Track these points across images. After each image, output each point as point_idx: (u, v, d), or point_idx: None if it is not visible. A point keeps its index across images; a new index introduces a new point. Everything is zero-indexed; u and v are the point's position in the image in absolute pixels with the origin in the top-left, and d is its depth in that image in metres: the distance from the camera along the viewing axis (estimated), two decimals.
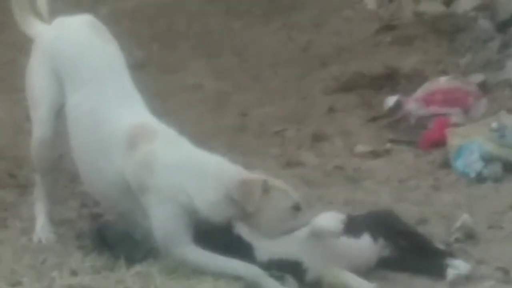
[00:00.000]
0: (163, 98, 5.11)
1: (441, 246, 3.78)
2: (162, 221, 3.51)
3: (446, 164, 4.51)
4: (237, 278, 3.43)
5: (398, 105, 5.10)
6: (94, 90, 3.71)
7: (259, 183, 3.37)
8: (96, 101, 3.69)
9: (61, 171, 4.18)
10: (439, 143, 4.72)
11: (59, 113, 3.74)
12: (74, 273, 3.47)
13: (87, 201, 4.13)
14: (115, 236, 3.71)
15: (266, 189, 3.37)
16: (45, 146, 3.81)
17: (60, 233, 3.89)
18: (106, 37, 3.75)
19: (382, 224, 3.77)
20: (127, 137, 3.55)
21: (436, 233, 3.86)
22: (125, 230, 3.74)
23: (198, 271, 3.45)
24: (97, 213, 4.04)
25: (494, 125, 4.59)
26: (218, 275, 3.46)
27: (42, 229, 3.83)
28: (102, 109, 3.69)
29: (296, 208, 3.36)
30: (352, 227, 3.57)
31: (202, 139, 3.85)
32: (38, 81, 3.83)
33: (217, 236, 3.51)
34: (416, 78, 5.39)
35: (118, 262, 3.49)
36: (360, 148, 4.75)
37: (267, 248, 3.45)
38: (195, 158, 3.55)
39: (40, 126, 3.82)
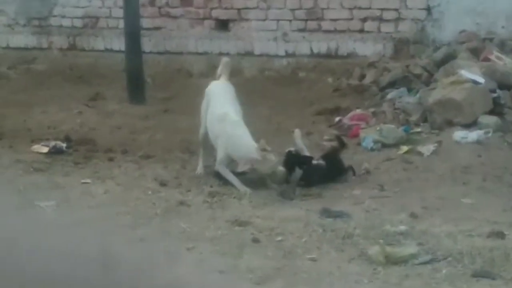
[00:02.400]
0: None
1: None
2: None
3: (359, 144, 7.93)
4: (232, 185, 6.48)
5: (340, 120, 8.69)
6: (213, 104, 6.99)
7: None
8: (214, 107, 6.98)
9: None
10: (356, 135, 8.17)
11: None
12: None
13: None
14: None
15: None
16: (203, 135, 7.16)
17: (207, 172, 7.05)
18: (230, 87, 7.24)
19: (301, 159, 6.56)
20: (217, 118, 6.81)
21: (357, 167, 7.10)
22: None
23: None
24: None
25: (378, 128, 8.06)
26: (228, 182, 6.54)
27: (200, 169, 7.15)
28: (214, 109, 6.95)
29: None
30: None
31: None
32: (202, 106, 7.15)
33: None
34: (348, 110, 8.93)
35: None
36: (326, 137, 8.22)
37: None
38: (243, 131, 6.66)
39: (202, 127, 7.17)
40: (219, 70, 7.34)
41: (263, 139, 6.60)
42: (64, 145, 8.07)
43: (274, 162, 6.53)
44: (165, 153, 7.82)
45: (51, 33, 12.55)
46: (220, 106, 6.96)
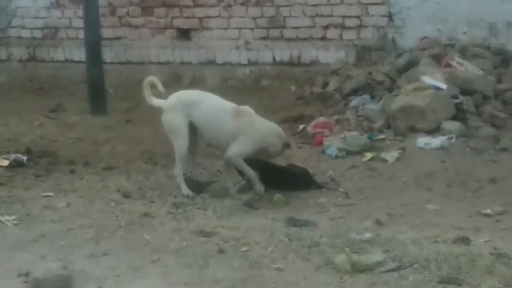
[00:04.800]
0: None
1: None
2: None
3: (323, 152, 7.97)
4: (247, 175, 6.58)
5: (304, 128, 8.66)
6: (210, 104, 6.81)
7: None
8: (214, 106, 6.84)
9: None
10: (320, 143, 8.15)
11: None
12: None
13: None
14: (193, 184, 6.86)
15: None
16: (185, 147, 6.81)
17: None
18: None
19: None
20: (231, 113, 6.68)
21: (322, 175, 7.16)
22: (197, 181, 6.93)
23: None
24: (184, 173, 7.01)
25: (342, 136, 8.05)
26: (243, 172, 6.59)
27: (186, 190, 6.78)
28: (217, 107, 6.82)
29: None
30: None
31: None
32: (175, 120, 6.78)
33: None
34: (311, 118, 8.89)
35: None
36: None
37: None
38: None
39: (182, 139, 6.82)
40: (144, 92, 7.12)
41: None
42: (25, 157, 7.97)
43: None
44: (127, 164, 7.77)
45: (10, 45, 12.49)
46: (225, 103, 6.91)
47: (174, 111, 6.90)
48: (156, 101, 7.07)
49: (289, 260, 5.32)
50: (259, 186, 6.70)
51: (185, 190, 6.79)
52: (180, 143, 6.92)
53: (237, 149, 6.66)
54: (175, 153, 7.01)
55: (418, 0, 10.13)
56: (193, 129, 6.92)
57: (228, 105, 6.85)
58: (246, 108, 6.92)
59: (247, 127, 6.66)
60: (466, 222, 6.06)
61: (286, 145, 6.81)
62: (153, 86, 7.10)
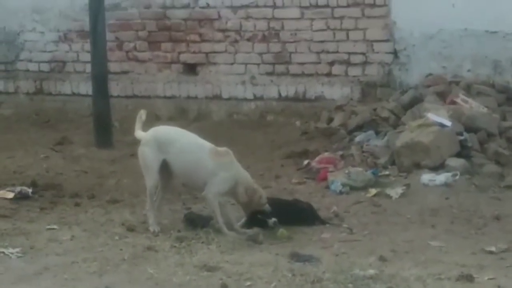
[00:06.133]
0: None
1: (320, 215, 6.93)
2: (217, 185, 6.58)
3: (327, 187, 8.03)
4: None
5: (308, 164, 8.64)
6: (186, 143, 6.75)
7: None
8: (191, 145, 6.77)
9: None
10: (325, 178, 8.17)
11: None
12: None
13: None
14: (196, 218, 6.91)
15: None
16: (154, 187, 6.84)
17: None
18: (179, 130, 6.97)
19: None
20: (210, 153, 6.65)
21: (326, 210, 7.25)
22: (200, 215, 6.93)
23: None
24: (187, 207, 7.36)
25: (346, 171, 8.06)
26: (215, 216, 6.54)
27: (154, 225, 6.80)
28: (194, 146, 6.76)
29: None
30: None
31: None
32: (148, 155, 6.77)
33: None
34: (316, 154, 8.93)
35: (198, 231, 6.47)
36: (294, 180, 8.36)
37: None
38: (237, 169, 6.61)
39: (151, 178, 6.82)
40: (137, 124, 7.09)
41: None
42: (30, 190, 7.97)
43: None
44: (132, 197, 7.75)
45: (18, 78, 12.53)
46: (204, 142, 6.90)
47: (149, 146, 6.86)
48: (138, 133, 7.06)
49: None
50: (226, 231, 6.68)
51: (152, 225, 6.78)
52: (149, 180, 6.92)
53: (215, 188, 6.66)
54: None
55: (423, 38, 10.15)
56: (167, 165, 6.87)
57: (206, 144, 6.82)
58: (226, 149, 6.89)
59: (225, 167, 6.65)
60: (470, 259, 6.04)
61: (252, 199, 6.78)
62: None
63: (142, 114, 7.08)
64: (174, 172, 6.86)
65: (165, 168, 6.85)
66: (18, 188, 7.97)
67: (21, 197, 7.84)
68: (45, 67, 12.40)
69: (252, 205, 6.74)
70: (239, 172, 6.71)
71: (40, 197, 8.01)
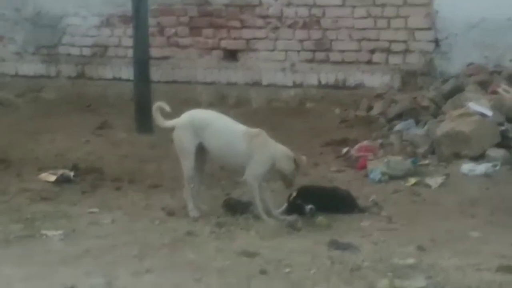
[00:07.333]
0: None
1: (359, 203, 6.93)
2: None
3: (366, 176, 7.99)
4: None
5: (348, 152, 8.67)
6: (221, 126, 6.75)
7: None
8: (225, 128, 6.77)
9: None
10: (364, 167, 8.15)
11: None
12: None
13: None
14: (236, 204, 6.91)
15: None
16: (193, 170, 6.79)
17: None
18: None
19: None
20: (244, 135, 6.63)
21: (365, 199, 7.20)
22: (239, 201, 6.91)
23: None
24: (227, 193, 7.37)
25: (386, 160, 8.00)
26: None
27: (194, 210, 6.81)
28: (229, 129, 6.74)
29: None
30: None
31: None
32: (184, 139, 6.73)
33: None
34: (355, 142, 8.93)
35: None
36: (333, 168, 8.33)
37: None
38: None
39: (189, 161, 6.79)
40: (155, 117, 7.09)
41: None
42: (71, 173, 8.06)
43: None
44: (172, 182, 7.69)
45: (60, 62, 12.66)
46: (238, 125, 6.88)
47: (185, 130, 6.84)
48: (167, 123, 7.04)
49: (331, 283, 5.30)
50: (265, 217, 6.67)
51: (192, 211, 6.77)
52: (186, 164, 6.91)
53: (253, 171, 6.63)
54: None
55: (465, 27, 10.18)
56: (203, 149, 6.87)
57: (241, 127, 6.79)
58: (259, 130, 6.87)
59: (259, 148, 6.61)
60: (509, 250, 5.99)
61: (297, 165, 6.76)
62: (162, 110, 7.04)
63: (164, 106, 7.05)
64: (211, 155, 6.86)
65: (201, 152, 6.85)
66: (60, 171, 8.07)
67: (63, 180, 7.94)
68: (87, 51, 12.50)
69: (296, 174, 6.72)
70: (275, 149, 6.63)
71: (81, 180, 8.10)
